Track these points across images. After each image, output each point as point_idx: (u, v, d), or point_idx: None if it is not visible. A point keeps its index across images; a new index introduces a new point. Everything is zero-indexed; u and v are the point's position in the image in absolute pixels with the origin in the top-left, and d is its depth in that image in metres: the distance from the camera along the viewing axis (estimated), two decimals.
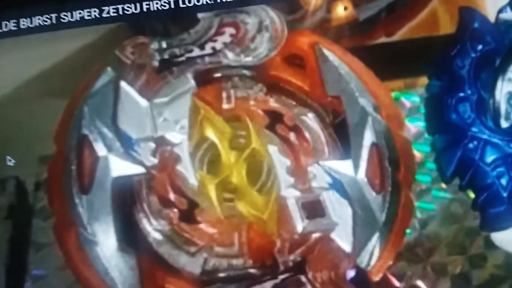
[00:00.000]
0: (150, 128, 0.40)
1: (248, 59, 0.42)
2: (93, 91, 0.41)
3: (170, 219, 0.39)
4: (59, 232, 0.38)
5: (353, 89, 0.42)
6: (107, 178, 0.38)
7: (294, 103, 0.42)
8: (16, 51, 0.47)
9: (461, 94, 0.43)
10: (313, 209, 0.39)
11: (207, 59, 0.42)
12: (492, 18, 0.45)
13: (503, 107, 0.43)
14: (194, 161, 0.40)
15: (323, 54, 0.42)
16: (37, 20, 0.47)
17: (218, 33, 0.43)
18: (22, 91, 0.48)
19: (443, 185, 0.44)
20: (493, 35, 0.44)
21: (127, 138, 0.40)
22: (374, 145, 0.40)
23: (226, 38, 0.43)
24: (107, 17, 0.47)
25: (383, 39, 0.51)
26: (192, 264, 0.38)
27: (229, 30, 0.43)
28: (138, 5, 0.47)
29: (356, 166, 0.40)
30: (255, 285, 0.38)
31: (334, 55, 0.43)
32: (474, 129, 0.42)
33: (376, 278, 0.39)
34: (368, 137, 0.40)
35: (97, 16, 0.47)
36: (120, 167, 0.39)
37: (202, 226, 0.39)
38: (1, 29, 0.47)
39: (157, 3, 0.46)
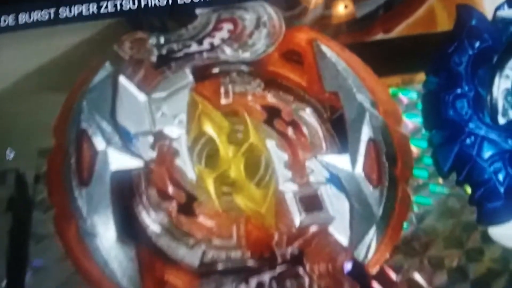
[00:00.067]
0: (148, 123, 0.40)
1: (246, 55, 0.43)
2: (92, 85, 0.41)
3: (169, 212, 0.39)
4: (59, 224, 0.38)
5: (351, 85, 0.42)
6: (106, 172, 0.39)
7: (291, 98, 0.43)
8: (15, 46, 0.48)
9: (459, 91, 0.43)
10: (311, 203, 0.39)
11: (205, 54, 0.42)
12: (489, 15, 0.45)
13: (500, 104, 0.44)
14: (193, 155, 0.40)
15: (321, 50, 0.43)
16: (36, 15, 0.47)
17: (216, 28, 0.43)
18: (21, 86, 0.48)
19: (440, 180, 0.45)
20: (491, 33, 0.44)
21: (125, 132, 0.40)
22: (371, 140, 0.41)
23: (224, 33, 0.43)
24: (105, 12, 0.47)
25: (381, 36, 0.51)
26: (190, 256, 0.38)
27: (227, 26, 0.43)
28: (136, 0, 0.47)
29: (353, 161, 0.40)
30: (253, 277, 0.38)
31: (332, 51, 0.43)
32: (471, 125, 0.42)
33: (373, 271, 0.39)
34: (366, 133, 0.41)
35: (96, 11, 0.47)
36: (119, 161, 0.39)
37: (200, 219, 0.39)
38: (0, 24, 0.47)
39: None
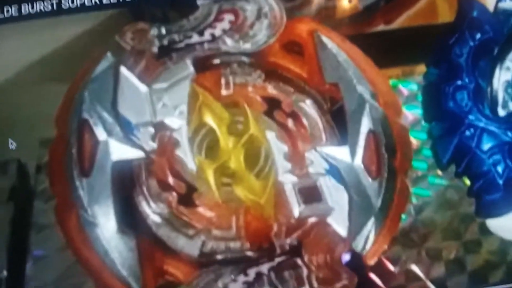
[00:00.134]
0: (149, 113, 0.40)
1: (247, 46, 0.43)
2: (93, 76, 0.41)
3: (169, 202, 0.39)
4: (60, 214, 0.39)
5: (351, 77, 0.42)
6: (107, 162, 0.39)
7: (292, 90, 0.43)
8: (18, 37, 0.48)
9: (459, 82, 0.43)
10: (310, 194, 0.40)
11: (206, 45, 0.42)
12: (491, 7, 0.45)
13: (500, 96, 0.44)
14: (193, 146, 0.41)
15: (321, 41, 0.43)
16: (39, 6, 0.47)
17: (217, 19, 0.43)
18: (23, 76, 0.48)
19: (439, 172, 0.45)
20: (492, 24, 0.44)
21: (126, 122, 0.40)
22: (371, 132, 0.41)
23: (225, 24, 0.43)
24: (107, 3, 0.47)
25: (381, 27, 0.51)
26: (190, 247, 0.39)
27: (228, 17, 0.43)
28: None
29: (353, 153, 0.40)
30: (252, 268, 0.38)
31: (332, 43, 0.43)
32: (471, 117, 0.42)
33: (371, 262, 0.39)
34: (365, 124, 0.41)
35: (98, 2, 0.47)
36: (120, 151, 0.39)
37: (200, 209, 0.39)
38: (3, 14, 0.47)
39: None
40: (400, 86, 0.49)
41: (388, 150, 0.41)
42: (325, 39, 0.43)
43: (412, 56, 0.48)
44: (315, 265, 0.38)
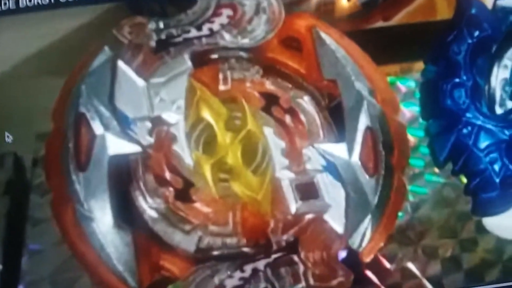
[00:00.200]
0: (146, 108, 0.40)
1: (245, 41, 0.43)
2: (91, 70, 0.41)
3: (165, 197, 0.39)
4: (56, 208, 0.39)
5: (349, 73, 0.42)
6: (104, 156, 0.39)
7: (290, 85, 0.43)
8: (15, 30, 0.48)
9: (457, 80, 0.43)
10: (307, 190, 0.40)
11: (204, 40, 0.42)
12: (489, 4, 0.45)
13: (498, 94, 0.44)
14: (190, 141, 0.41)
15: (320, 37, 0.42)
16: None
17: (216, 14, 0.43)
18: (20, 69, 0.48)
19: (436, 170, 0.45)
20: (490, 22, 0.44)
21: (123, 117, 0.40)
22: (368, 129, 0.41)
23: (223, 19, 0.43)
24: None
25: (380, 24, 0.51)
26: (186, 242, 0.39)
27: (226, 12, 0.43)
28: None
29: (350, 149, 0.40)
30: (248, 264, 0.38)
31: (331, 39, 0.43)
32: (468, 114, 0.42)
33: (367, 259, 0.39)
34: (363, 121, 0.41)
35: None
36: (116, 145, 0.39)
37: (197, 205, 0.39)
38: (0, 7, 0.47)
39: None
40: (398, 83, 0.49)
41: (386, 147, 0.41)
42: (323, 35, 0.43)
43: (410, 53, 0.48)
44: (311, 261, 0.38)
